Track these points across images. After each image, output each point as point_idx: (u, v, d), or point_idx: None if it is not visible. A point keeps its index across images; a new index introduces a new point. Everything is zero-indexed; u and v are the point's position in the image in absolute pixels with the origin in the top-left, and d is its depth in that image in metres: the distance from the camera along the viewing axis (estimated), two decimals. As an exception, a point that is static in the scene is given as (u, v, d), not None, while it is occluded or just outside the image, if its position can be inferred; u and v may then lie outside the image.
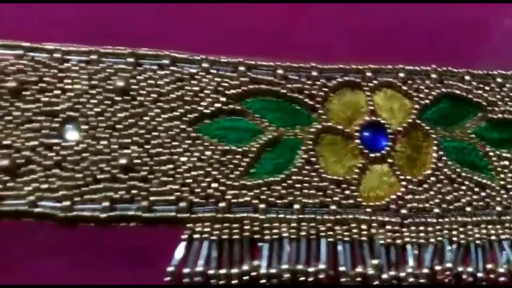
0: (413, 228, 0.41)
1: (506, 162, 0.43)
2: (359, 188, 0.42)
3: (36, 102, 0.39)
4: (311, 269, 0.39)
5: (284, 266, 0.38)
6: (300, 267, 0.39)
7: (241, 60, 0.42)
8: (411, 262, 0.40)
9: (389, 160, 0.42)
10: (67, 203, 0.37)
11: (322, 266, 0.39)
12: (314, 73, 0.43)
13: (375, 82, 0.43)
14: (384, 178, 0.42)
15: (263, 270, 0.38)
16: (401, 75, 0.44)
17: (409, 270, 0.39)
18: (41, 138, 0.38)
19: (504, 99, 0.45)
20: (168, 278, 0.37)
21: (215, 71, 0.42)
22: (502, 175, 0.43)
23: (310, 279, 0.39)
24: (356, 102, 0.43)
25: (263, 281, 0.38)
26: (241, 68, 0.42)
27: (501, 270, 0.41)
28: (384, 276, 0.39)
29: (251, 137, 0.41)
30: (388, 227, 0.41)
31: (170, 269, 0.37)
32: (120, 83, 0.40)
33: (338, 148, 0.42)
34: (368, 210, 0.41)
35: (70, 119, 0.39)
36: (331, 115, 0.43)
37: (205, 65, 0.42)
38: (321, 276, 0.38)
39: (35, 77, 0.39)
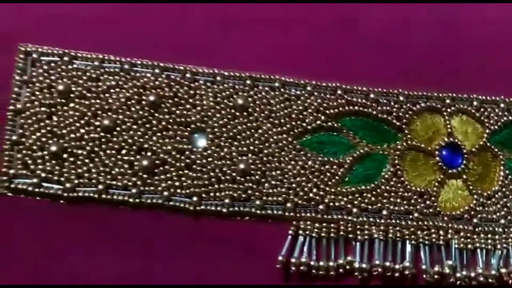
0: (482, 235, 0.45)
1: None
2: (437, 199, 0.45)
3: (171, 114, 0.43)
4: (398, 266, 0.42)
5: (376, 262, 0.41)
6: (387, 263, 0.42)
7: (339, 84, 0.46)
8: (480, 264, 0.43)
9: (464, 176, 0.46)
10: (196, 198, 0.42)
11: (407, 264, 0.42)
12: (401, 98, 0.46)
13: (453, 108, 0.47)
14: (459, 192, 0.45)
15: (356, 265, 0.41)
16: (475, 103, 0.47)
17: (479, 271, 0.42)
18: (174, 144, 0.42)
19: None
20: (278, 266, 0.40)
21: (317, 93, 0.46)
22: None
23: (396, 274, 0.42)
24: (436, 125, 0.47)
25: (355, 274, 0.41)
26: (339, 92, 0.46)
27: None
28: (458, 275, 0.42)
29: (345, 150, 0.45)
30: (462, 233, 0.44)
31: (280, 258, 0.41)
32: (240, 101, 0.44)
33: (420, 164, 0.46)
34: (445, 218, 0.44)
35: (199, 129, 0.43)
36: (414, 135, 0.46)
37: (309, 88, 0.46)
38: (407, 272, 0.41)
39: (171, 93, 0.43)
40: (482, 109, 0.47)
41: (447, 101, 0.47)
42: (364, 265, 0.42)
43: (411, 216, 0.44)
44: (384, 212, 0.44)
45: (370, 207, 0.44)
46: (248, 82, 0.45)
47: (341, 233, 0.43)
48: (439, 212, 0.45)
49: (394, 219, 0.44)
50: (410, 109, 0.46)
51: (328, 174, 0.44)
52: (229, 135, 0.44)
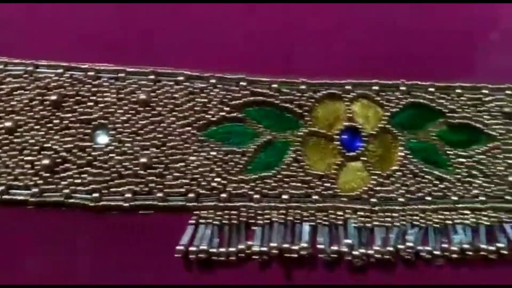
0: (381, 214, 0.43)
1: (463, 160, 0.45)
2: (337, 181, 0.43)
3: (73, 112, 0.41)
4: (295, 247, 0.40)
5: (273, 244, 0.40)
6: (286, 245, 0.40)
7: (242, 76, 0.44)
8: (378, 241, 0.41)
9: (363, 158, 0.44)
10: (96, 194, 0.40)
11: (304, 244, 0.40)
12: (303, 87, 0.44)
13: (353, 94, 0.45)
14: (358, 173, 0.44)
15: (255, 248, 0.40)
16: (375, 87, 0.45)
17: (376, 248, 0.41)
18: (76, 142, 0.40)
19: (462, 107, 0.46)
20: (177, 255, 0.39)
21: (221, 86, 0.44)
22: (458, 170, 0.45)
23: (294, 255, 0.40)
24: (337, 111, 0.45)
25: (256, 257, 0.40)
26: (242, 83, 0.44)
27: (454, 248, 0.42)
28: (355, 253, 0.41)
29: (249, 140, 0.43)
30: (360, 213, 0.43)
31: (179, 247, 0.39)
32: (143, 96, 0.42)
33: (321, 149, 0.44)
34: (344, 199, 0.43)
35: (101, 126, 0.41)
36: (315, 122, 0.44)
37: (213, 81, 0.44)
38: (303, 252, 0.40)
39: (73, 91, 0.41)
40: (382, 93, 0.45)
41: (347, 87, 0.45)
42: (264, 248, 0.40)
43: (310, 199, 0.42)
44: (285, 197, 0.42)
45: (271, 192, 0.42)
46: (151, 77, 0.42)
47: (242, 219, 0.41)
48: (338, 194, 0.43)
49: (294, 202, 0.42)
50: (312, 97, 0.44)
51: (231, 163, 0.42)
52: (132, 130, 0.42)
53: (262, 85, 0.45)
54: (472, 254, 0.43)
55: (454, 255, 0.42)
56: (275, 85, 0.44)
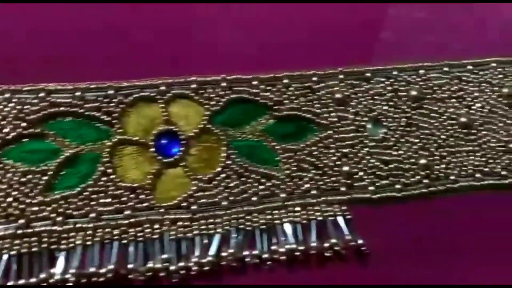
0: (202, 221, 0.37)
1: (291, 154, 0.39)
2: (154, 192, 0.37)
3: None
4: (102, 270, 0.34)
5: (72, 271, 0.33)
6: (92, 269, 0.34)
7: (41, 86, 0.37)
8: (197, 252, 0.35)
9: (182, 164, 0.38)
10: None
11: (110, 266, 0.34)
12: (111, 92, 0.38)
13: (169, 94, 0.38)
14: (178, 180, 0.38)
15: (57, 277, 0.33)
16: (193, 86, 0.39)
17: (195, 259, 0.35)
18: None
19: (290, 98, 0.40)
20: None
21: (16, 100, 0.36)
22: (287, 165, 0.39)
23: (102, 279, 0.34)
24: (152, 114, 0.38)
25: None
26: (41, 94, 0.37)
27: (282, 249, 0.36)
28: (172, 267, 0.34)
29: (52, 156, 0.37)
30: (180, 223, 0.36)
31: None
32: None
33: (136, 158, 0.38)
34: (161, 210, 0.36)
35: None
36: (129, 128, 0.38)
37: (6, 95, 0.36)
38: (110, 275, 0.33)
39: None
40: (201, 91, 0.39)
41: (162, 88, 0.38)
42: (67, 276, 0.33)
43: (121, 215, 0.35)
44: (92, 215, 0.35)
45: (76, 212, 0.35)
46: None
47: (44, 245, 0.34)
48: (154, 205, 0.36)
49: (104, 220, 0.35)
50: (122, 102, 0.38)
51: (30, 184, 0.36)
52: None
53: (65, 95, 0.37)
54: (303, 254, 0.38)
55: (283, 257, 0.36)
56: (78, 93, 0.37)
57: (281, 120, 0.41)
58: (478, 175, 0.42)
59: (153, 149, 0.38)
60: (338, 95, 0.42)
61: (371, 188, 0.40)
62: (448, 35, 0.47)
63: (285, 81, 0.41)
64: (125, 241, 0.37)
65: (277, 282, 0.37)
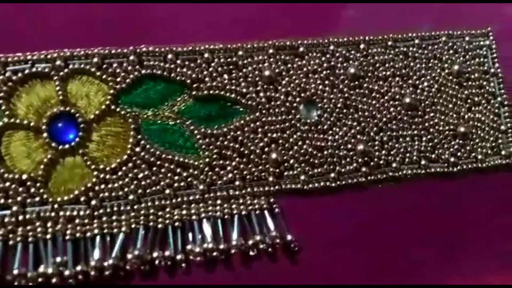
0: (104, 218, 0.38)
1: (212, 139, 0.41)
2: (47, 184, 0.38)
3: None
4: None
5: None
6: None
7: None
8: (96, 254, 0.36)
9: (81, 151, 0.39)
10: None
11: None
12: (-4, 68, 0.38)
13: (66, 70, 0.39)
14: (76, 170, 0.39)
15: None
16: (95, 60, 0.40)
17: (93, 263, 0.36)
18: None
19: (212, 75, 0.42)
20: None
21: None
22: (207, 153, 0.41)
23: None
24: (47, 93, 0.39)
25: None
26: None
27: (199, 249, 0.38)
28: (67, 272, 0.36)
29: None
30: (77, 220, 0.37)
31: None
32: None
33: (27, 145, 0.39)
34: (55, 206, 0.38)
35: None
36: (19, 111, 0.39)
37: None
38: None
39: None
40: (105, 66, 0.40)
41: (58, 62, 0.38)
42: None
43: (8, 211, 0.36)
44: (-29, 213, 0.35)
45: None
46: None
47: None
48: (48, 200, 0.37)
49: None
50: (10, 79, 0.38)
51: None
52: None
53: None
54: (223, 253, 0.40)
55: (199, 258, 0.38)
56: None
57: (201, 100, 0.43)
58: (423, 162, 0.45)
59: (46, 134, 0.39)
60: (267, 72, 0.44)
61: (303, 177, 0.42)
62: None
63: (206, 55, 0.43)
64: (11, 242, 0.38)
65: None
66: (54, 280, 0.37)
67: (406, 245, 0.43)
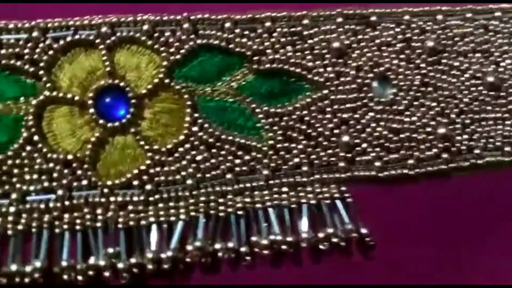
0: (161, 205, 0.37)
1: (276, 119, 0.39)
2: (95, 166, 0.37)
3: None
4: (27, 269, 0.33)
5: None
6: (13, 267, 0.33)
7: None
8: (153, 245, 0.34)
9: (133, 130, 0.37)
10: None
11: (37, 263, 0.33)
12: (35, 34, 0.37)
13: (113, 38, 0.37)
14: (128, 151, 0.37)
15: None
16: (145, 27, 0.37)
17: (150, 255, 0.34)
18: None
19: (274, 46, 0.39)
20: None
21: None
22: (271, 134, 0.39)
23: (27, 280, 0.32)
24: (92, 64, 0.37)
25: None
26: None
27: (265, 241, 0.36)
28: (120, 265, 0.34)
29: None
30: (130, 207, 0.36)
31: None
32: None
33: (71, 121, 0.38)
34: (105, 190, 0.35)
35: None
36: (61, 83, 0.37)
37: None
38: (37, 275, 0.32)
39: None
40: (156, 34, 0.38)
41: (104, 29, 0.36)
42: None
43: (53, 196, 0.34)
44: (15, 196, 0.35)
45: None
46: None
47: None
48: (96, 184, 0.36)
49: (28, 203, 0.36)
50: (51, 48, 0.36)
51: None
52: None
53: None
54: (291, 246, 0.38)
55: (266, 251, 0.36)
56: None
57: (263, 76, 0.41)
58: (507, 148, 0.42)
59: (92, 110, 0.37)
60: (336, 44, 0.41)
61: (377, 163, 0.40)
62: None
63: (268, 24, 0.41)
64: (58, 230, 0.36)
65: (258, 282, 0.37)
66: (106, 274, 0.34)
67: (486, 239, 0.40)
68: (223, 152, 0.38)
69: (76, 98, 0.37)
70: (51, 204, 0.36)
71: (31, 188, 0.36)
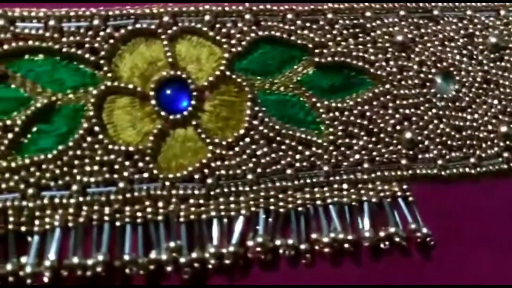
0: (222, 199, 0.36)
1: (337, 113, 0.38)
2: (156, 158, 0.36)
3: None
4: (89, 262, 0.32)
5: (48, 263, 0.32)
6: (75, 260, 0.32)
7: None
8: (215, 240, 0.34)
9: (194, 122, 0.36)
10: None
11: (100, 257, 0.32)
12: (96, 22, 0.36)
13: (175, 28, 0.37)
14: (188, 144, 0.37)
15: (28, 269, 0.31)
16: (207, 18, 0.37)
17: (212, 250, 0.33)
18: None
19: (336, 39, 0.39)
20: None
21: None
22: (331, 129, 0.38)
23: (89, 273, 0.32)
24: (153, 55, 0.36)
25: (29, 281, 0.31)
26: (0, 22, 0.34)
27: (325, 239, 0.35)
28: (182, 259, 0.33)
29: (19, 106, 0.35)
30: (192, 201, 0.35)
31: None
32: None
33: (131, 112, 0.37)
34: (167, 183, 0.35)
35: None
36: (121, 73, 0.36)
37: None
38: (99, 269, 0.32)
39: None
40: (218, 25, 0.38)
41: (165, 18, 0.36)
42: (37, 269, 0.32)
43: (115, 188, 0.35)
44: (75, 188, 0.34)
45: (53, 183, 0.35)
46: None
47: (11, 226, 0.33)
48: (158, 176, 0.36)
49: (89, 195, 0.35)
50: (111, 36, 0.36)
51: (-9, 143, 0.33)
52: None
53: (33, 24, 0.37)
54: (352, 245, 0.37)
55: (327, 249, 0.35)
56: (52, 22, 0.35)
57: (324, 69, 0.40)
58: None
59: (154, 102, 0.36)
60: (399, 38, 0.41)
61: (440, 162, 0.39)
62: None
63: (330, 16, 0.40)
64: (119, 223, 0.35)
65: (318, 281, 0.37)
66: (168, 268, 0.33)
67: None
68: (283, 147, 0.38)
69: (138, 89, 0.36)
70: (112, 197, 0.35)
71: (92, 179, 0.35)
